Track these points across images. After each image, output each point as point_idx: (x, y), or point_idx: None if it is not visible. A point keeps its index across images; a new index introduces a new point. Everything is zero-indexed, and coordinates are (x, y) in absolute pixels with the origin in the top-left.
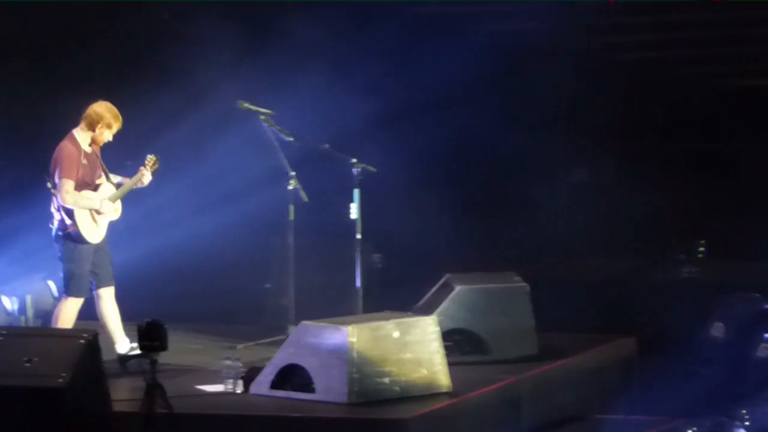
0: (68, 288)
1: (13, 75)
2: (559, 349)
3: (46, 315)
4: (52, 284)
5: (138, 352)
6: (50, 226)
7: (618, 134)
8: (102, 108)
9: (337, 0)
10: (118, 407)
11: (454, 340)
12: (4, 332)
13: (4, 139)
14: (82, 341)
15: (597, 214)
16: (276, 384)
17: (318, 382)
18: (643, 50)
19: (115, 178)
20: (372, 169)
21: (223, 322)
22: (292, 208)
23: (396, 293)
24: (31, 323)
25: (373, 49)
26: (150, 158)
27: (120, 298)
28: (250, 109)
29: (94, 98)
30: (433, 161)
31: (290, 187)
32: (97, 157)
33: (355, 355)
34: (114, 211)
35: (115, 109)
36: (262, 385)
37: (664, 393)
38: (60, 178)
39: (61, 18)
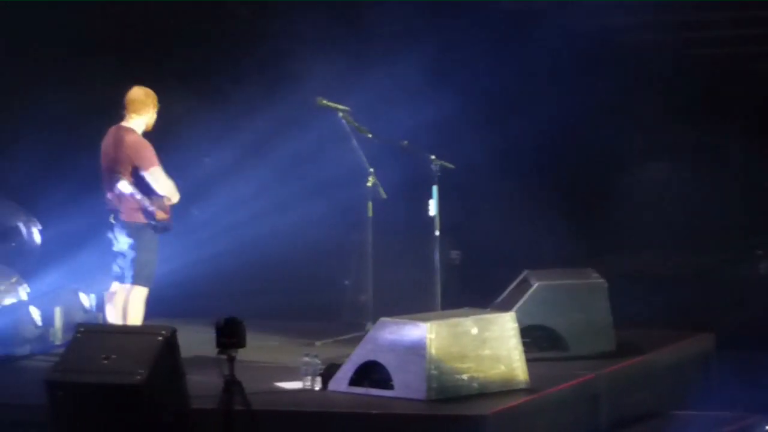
0: (139, 277)
1: (95, 73)
2: (637, 345)
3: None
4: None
5: None
6: (111, 220)
7: (698, 129)
8: (141, 93)
9: None
10: (196, 404)
11: (533, 337)
12: (83, 329)
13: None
14: (161, 338)
15: (675, 210)
16: (354, 381)
17: (396, 379)
18: (724, 46)
19: None
20: (450, 165)
21: (302, 319)
22: (370, 204)
23: (474, 290)
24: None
25: (456, 45)
26: None
27: (198, 295)
28: (328, 106)
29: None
30: (512, 157)
31: (369, 184)
32: None
33: (433, 351)
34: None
35: (152, 91)
36: (340, 381)
37: (741, 389)
38: (149, 167)
39: (139, 17)
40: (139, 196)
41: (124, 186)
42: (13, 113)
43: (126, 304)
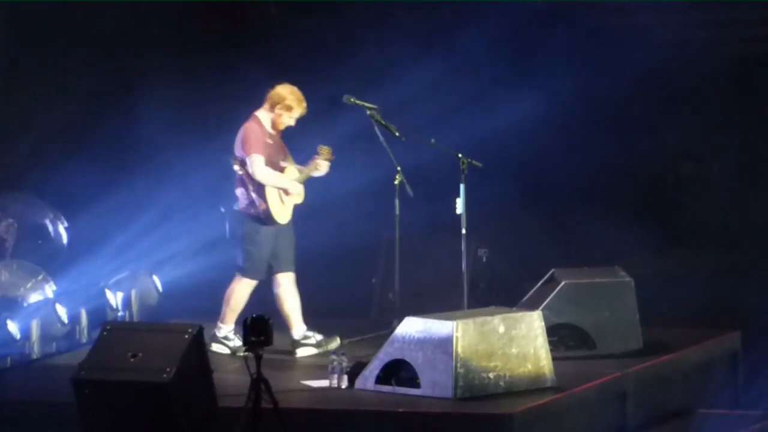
0: (244, 269)
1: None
2: (665, 343)
3: (151, 310)
4: (156, 279)
5: (314, 340)
6: (234, 207)
7: (725, 128)
8: (285, 90)
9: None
10: (223, 402)
11: (560, 335)
12: (109, 327)
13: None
14: (187, 336)
15: (704, 208)
16: (381, 379)
17: (423, 377)
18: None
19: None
20: (478, 164)
21: (329, 317)
22: (397, 202)
23: (502, 288)
24: (135, 318)
25: (482, 43)
26: (323, 148)
27: (223, 294)
28: (356, 104)
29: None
30: (538, 157)
31: (396, 182)
32: (280, 140)
33: (460, 350)
34: (298, 194)
35: (299, 93)
36: (367, 379)
37: None
38: (249, 153)
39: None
40: (246, 183)
41: (236, 169)
42: (38, 112)
43: (230, 292)
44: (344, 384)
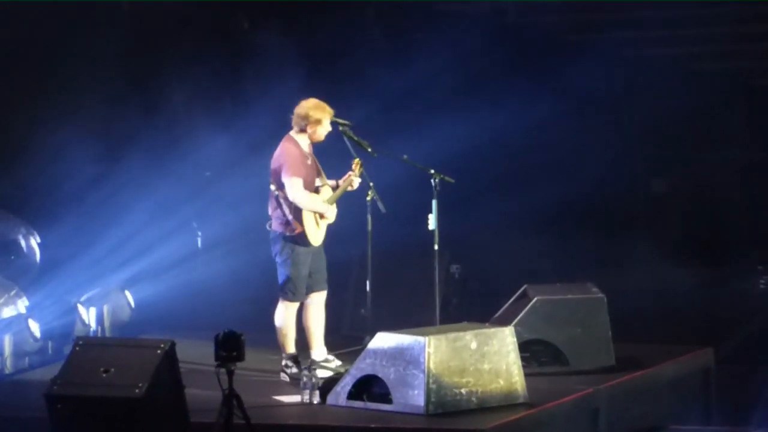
0: (284, 292)
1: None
2: (637, 359)
3: (123, 326)
4: (129, 295)
5: (333, 365)
6: (267, 228)
7: (694, 144)
8: (304, 109)
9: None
10: (195, 418)
11: (532, 351)
12: (82, 342)
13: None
14: (159, 351)
15: (674, 225)
16: (353, 395)
17: (395, 393)
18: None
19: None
20: (450, 179)
21: (301, 332)
22: (370, 218)
23: (474, 304)
24: (108, 334)
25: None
26: (356, 161)
27: (198, 309)
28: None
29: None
30: (512, 172)
31: (368, 198)
32: (314, 159)
33: (432, 365)
34: (332, 214)
35: (317, 102)
36: (339, 395)
37: (742, 404)
38: (288, 176)
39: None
40: (282, 205)
41: (272, 189)
42: (16, 127)
43: (280, 321)
44: (316, 400)
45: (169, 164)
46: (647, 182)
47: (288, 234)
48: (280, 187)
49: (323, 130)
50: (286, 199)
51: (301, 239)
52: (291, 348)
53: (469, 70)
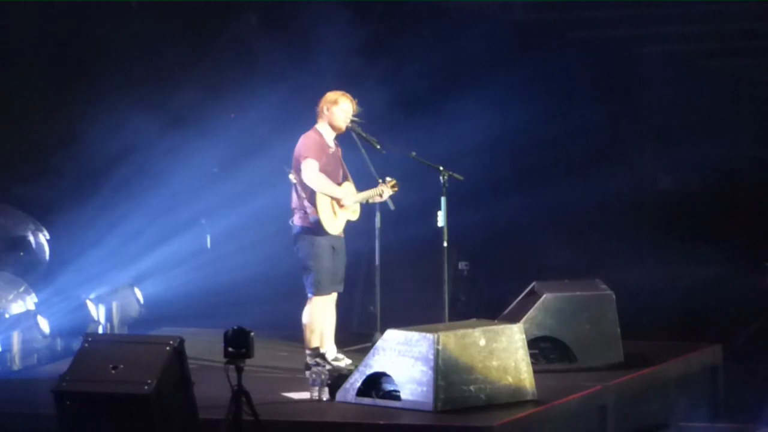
0: (310, 287)
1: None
2: (645, 356)
3: (133, 322)
4: (138, 291)
5: (344, 363)
6: (290, 223)
7: (701, 141)
8: (324, 98)
9: None
10: (204, 414)
11: (540, 348)
12: (91, 339)
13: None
14: (168, 348)
15: (681, 221)
16: (362, 391)
17: (404, 390)
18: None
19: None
20: (459, 177)
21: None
22: (379, 215)
23: (482, 300)
24: (117, 331)
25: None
26: (391, 181)
27: (208, 305)
28: None
29: None
30: (520, 171)
31: None
32: (339, 157)
33: (441, 362)
34: (353, 211)
35: (334, 91)
36: (348, 392)
37: (749, 401)
38: (304, 158)
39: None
40: (299, 192)
41: (291, 178)
42: (16, 124)
43: (308, 318)
44: (325, 396)
45: (176, 162)
46: (654, 179)
47: (305, 225)
48: (298, 170)
49: (340, 111)
50: (302, 184)
51: (318, 228)
52: (316, 343)
53: (477, 67)
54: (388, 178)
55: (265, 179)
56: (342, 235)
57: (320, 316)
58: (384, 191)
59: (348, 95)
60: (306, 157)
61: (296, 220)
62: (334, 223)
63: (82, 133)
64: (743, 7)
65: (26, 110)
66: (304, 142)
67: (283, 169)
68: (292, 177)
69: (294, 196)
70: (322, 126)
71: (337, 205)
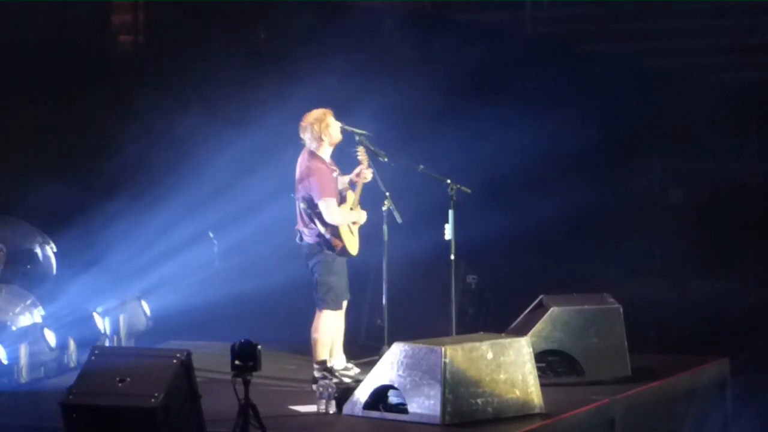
0: (326, 301)
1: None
2: (653, 370)
3: (140, 335)
4: (145, 304)
5: (353, 372)
6: (297, 241)
7: (710, 154)
8: (306, 120)
9: None
10: (211, 427)
11: (548, 361)
12: (98, 351)
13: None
14: (176, 361)
15: (690, 235)
16: (369, 405)
17: (411, 403)
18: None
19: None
20: (467, 190)
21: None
22: (386, 228)
23: (490, 314)
24: (124, 344)
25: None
26: (360, 150)
27: (215, 318)
28: (346, 130)
29: None
30: (528, 183)
31: (384, 208)
32: (335, 166)
33: (448, 375)
34: (360, 216)
35: (315, 112)
36: (355, 405)
37: (758, 414)
38: (321, 197)
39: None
40: (316, 222)
41: (301, 207)
42: (23, 138)
43: (313, 329)
44: (332, 409)
45: (186, 173)
46: (664, 192)
47: (325, 247)
48: (312, 205)
49: (333, 127)
50: (320, 216)
51: (342, 251)
52: (325, 356)
53: (486, 79)
54: (358, 152)
55: (273, 193)
56: None
57: (332, 329)
58: (365, 172)
59: (324, 108)
60: (322, 198)
61: (310, 239)
62: (355, 244)
63: (90, 147)
64: (755, 21)
65: (31, 124)
66: (314, 176)
67: (289, 196)
68: (303, 207)
69: (306, 220)
70: (321, 149)
71: (352, 223)
